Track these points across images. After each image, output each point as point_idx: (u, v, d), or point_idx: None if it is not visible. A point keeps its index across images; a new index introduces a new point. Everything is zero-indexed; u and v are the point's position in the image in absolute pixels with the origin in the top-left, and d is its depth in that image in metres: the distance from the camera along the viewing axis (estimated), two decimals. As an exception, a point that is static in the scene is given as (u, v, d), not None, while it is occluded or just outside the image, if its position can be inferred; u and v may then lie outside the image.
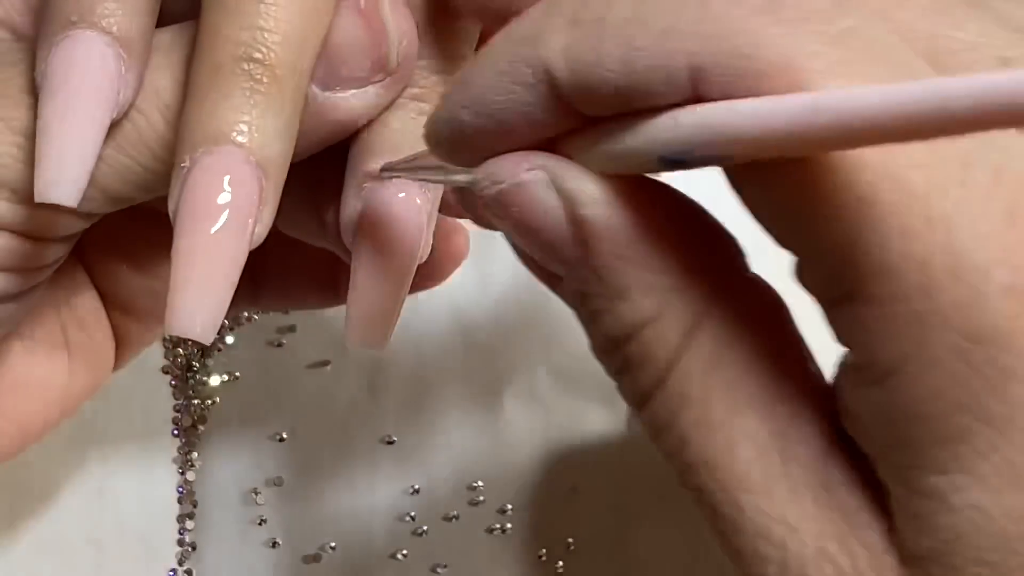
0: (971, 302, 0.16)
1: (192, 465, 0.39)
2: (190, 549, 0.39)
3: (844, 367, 0.19)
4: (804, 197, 0.18)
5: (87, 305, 0.32)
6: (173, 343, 0.40)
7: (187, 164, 0.23)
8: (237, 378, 0.40)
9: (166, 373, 0.40)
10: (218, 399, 0.40)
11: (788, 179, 0.18)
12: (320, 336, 0.40)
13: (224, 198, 0.22)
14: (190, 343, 0.40)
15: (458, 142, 0.22)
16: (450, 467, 0.40)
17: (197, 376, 0.40)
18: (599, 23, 0.19)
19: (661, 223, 0.20)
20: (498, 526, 0.40)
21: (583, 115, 0.20)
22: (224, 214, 0.22)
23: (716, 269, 0.19)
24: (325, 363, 0.40)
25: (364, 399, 0.40)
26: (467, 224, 0.41)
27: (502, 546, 0.40)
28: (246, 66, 0.23)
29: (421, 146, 0.23)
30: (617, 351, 0.21)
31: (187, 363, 0.40)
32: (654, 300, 0.20)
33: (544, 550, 0.39)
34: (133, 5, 0.24)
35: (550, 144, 0.21)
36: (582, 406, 0.40)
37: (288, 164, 0.24)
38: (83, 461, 0.39)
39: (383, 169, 0.25)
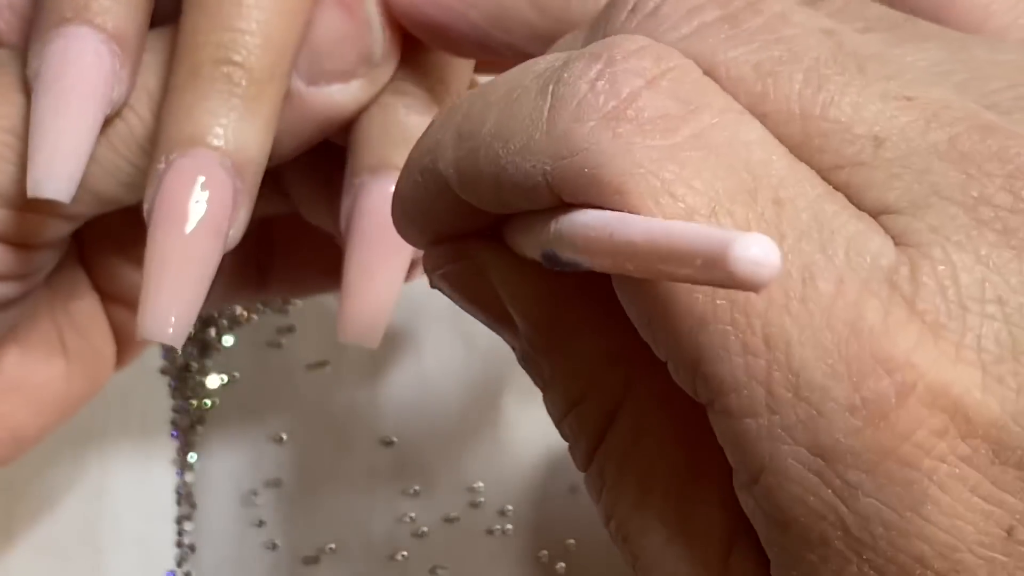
0: (812, 419, 0.16)
1: (191, 466, 0.39)
2: (189, 551, 0.39)
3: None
4: (655, 311, 0.18)
5: (85, 309, 0.31)
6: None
7: (163, 166, 0.23)
8: (236, 379, 0.40)
9: (165, 374, 0.40)
10: (217, 400, 0.40)
11: (643, 292, 0.18)
12: (319, 337, 0.40)
13: (198, 202, 0.22)
14: (189, 341, 0.40)
15: (414, 238, 0.23)
16: (450, 468, 0.40)
17: (196, 377, 0.40)
18: (475, 138, 0.19)
19: (581, 308, 0.20)
20: (498, 527, 0.39)
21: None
22: (197, 218, 0.22)
23: (638, 350, 0.19)
24: (324, 364, 0.40)
25: (363, 400, 0.40)
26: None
27: (502, 547, 0.39)
28: (225, 69, 0.23)
29: (408, 143, 0.23)
30: (559, 425, 0.22)
31: (186, 364, 0.40)
32: (578, 386, 0.21)
33: (545, 551, 0.39)
34: (128, 2, 0.23)
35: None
36: (583, 407, 0.40)
37: (264, 166, 0.24)
38: (81, 462, 0.39)
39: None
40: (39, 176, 0.22)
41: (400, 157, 0.23)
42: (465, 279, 0.22)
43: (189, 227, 0.22)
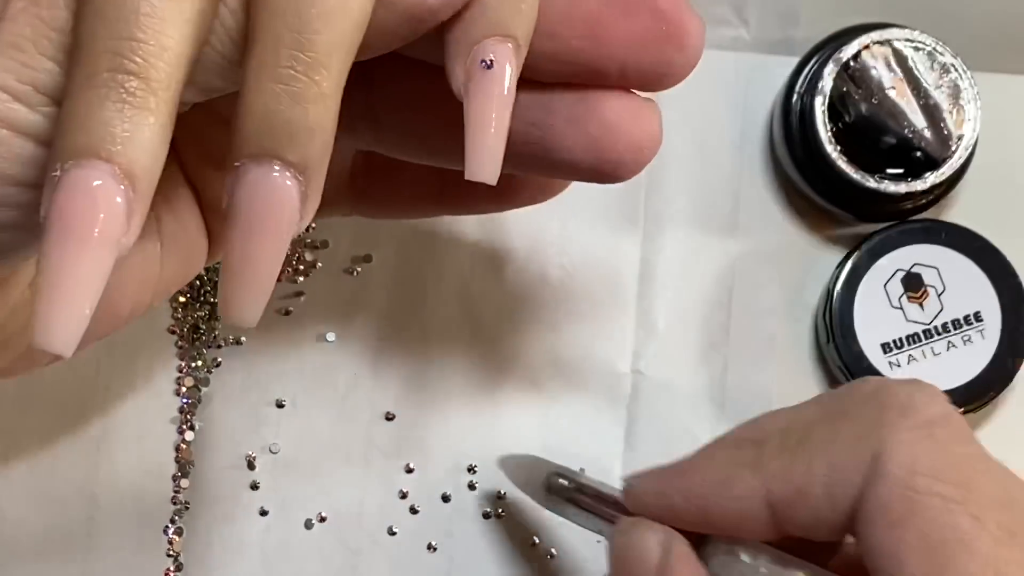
0: None
1: (191, 426, 0.40)
2: (183, 507, 0.39)
3: None
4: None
5: (182, 199, 0.31)
6: (181, 304, 0.40)
7: (57, 173, 0.22)
8: (242, 343, 0.40)
9: (172, 333, 0.40)
10: (222, 363, 0.40)
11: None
12: (327, 307, 0.40)
13: (90, 213, 0.22)
14: (199, 304, 0.40)
15: (655, 513, 0.30)
16: (447, 448, 0.40)
17: (203, 338, 0.40)
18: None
19: None
20: (492, 510, 0.40)
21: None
22: (89, 229, 0.22)
23: None
24: (330, 334, 0.40)
25: (366, 373, 0.40)
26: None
27: (496, 530, 0.40)
28: (120, 77, 0.22)
29: (284, 129, 0.23)
30: None
31: (194, 324, 0.40)
32: None
33: (538, 538, 0.40)
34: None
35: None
36: (582, 400, 0.40)
37: (159, 174, 0.23)
38: (83, 414, 0.39)
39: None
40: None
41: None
42: (634, 555, 0.31)
43: (80, 239, 0.22)
